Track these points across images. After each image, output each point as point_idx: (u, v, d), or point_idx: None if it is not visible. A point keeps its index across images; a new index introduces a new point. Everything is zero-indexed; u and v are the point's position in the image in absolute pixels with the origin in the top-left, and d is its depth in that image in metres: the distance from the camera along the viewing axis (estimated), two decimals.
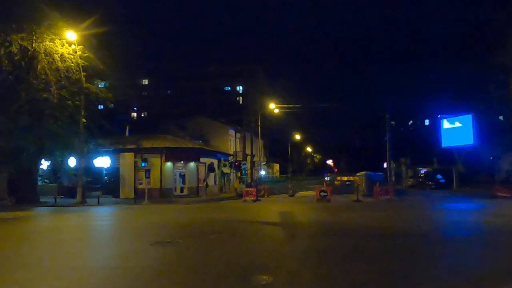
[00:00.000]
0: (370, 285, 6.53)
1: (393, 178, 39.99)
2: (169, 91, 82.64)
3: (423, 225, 13.96)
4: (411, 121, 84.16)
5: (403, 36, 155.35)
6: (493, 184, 30.27)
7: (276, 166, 76.36)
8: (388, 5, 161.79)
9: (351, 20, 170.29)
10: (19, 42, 23.45)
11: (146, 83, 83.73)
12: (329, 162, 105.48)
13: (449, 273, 7.21)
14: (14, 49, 23.11)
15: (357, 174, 35.76)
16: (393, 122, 45.46)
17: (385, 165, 43.36)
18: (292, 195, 32.84)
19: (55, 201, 27.60)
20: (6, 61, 23.10)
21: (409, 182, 44.87)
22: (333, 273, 7.28)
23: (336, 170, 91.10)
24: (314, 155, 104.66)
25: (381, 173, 37.69)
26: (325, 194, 26.14)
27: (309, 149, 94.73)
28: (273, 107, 38.73)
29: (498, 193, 25.94)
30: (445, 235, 12.02)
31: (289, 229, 13.62)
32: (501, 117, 31.72)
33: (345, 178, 36.12)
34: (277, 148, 71.18)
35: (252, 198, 27.52)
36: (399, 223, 14.51)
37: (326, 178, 39.78)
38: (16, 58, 23.42)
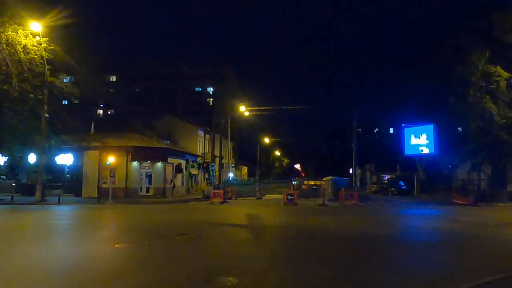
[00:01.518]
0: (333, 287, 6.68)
1: (358, 184, 41.11)
2: (137, 89, 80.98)
3: (385, 230, 14.42)
4: (377, 129, 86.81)
5: (370, 48, 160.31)
6: (451, 191, 31.74)
7: (245, 169, 76.45)
8: (356, 17, 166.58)
9: (322, 29, 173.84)
10: None
11: (114, 79, 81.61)
12: (297, 166, 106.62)
13: (409, 275, 7.51)
14: None
15: (324, 179, 36.44)
16: (360, 129, 46.72)
17: (350, 170, 44.48)
18: (260, 198, 32.98)
19: (12, 198, 26.29)
20: None
21: (373, 188, 46.23)
22: (298, 275, 7.39)
23: (303, 174, 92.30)
24: (283, 159, 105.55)
25: (347, 179, 38.61)
26: (292, 197, 26.44)
27: (277, 153, 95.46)
28: (243, 109, 38.79)
29: (455, 200, 27.27)
30: (405, 239, 12.47)
31: (255, 231, 13.66)
32: (459, 128, 33.31)
33: (312, 183, 36.71)
34: (246, 151, 71.37)
35: (219, 200, 27.40)
36: (363, 227, 14.92)
37: (293, 182, 40.26)
38: None
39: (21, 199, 26.78)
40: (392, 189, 39.93)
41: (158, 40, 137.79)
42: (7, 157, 30.99)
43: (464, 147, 30.39)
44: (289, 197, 26.56)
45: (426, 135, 36.07)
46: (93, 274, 7.31)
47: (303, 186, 36.18)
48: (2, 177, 33.11)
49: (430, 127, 35.49)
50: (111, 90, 78.64)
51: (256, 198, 32.74)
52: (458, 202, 26.79)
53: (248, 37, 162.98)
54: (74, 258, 9.04)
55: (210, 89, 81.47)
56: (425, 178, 39.29)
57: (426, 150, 36.10)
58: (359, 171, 47.64)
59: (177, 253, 9.44)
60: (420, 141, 36.96)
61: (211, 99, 79.97)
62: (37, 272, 7.42)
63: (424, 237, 12.78)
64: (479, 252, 9.86)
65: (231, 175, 55.35)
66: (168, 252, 9.57)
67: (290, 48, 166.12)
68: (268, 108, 41.88)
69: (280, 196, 29.13)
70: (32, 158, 29.85)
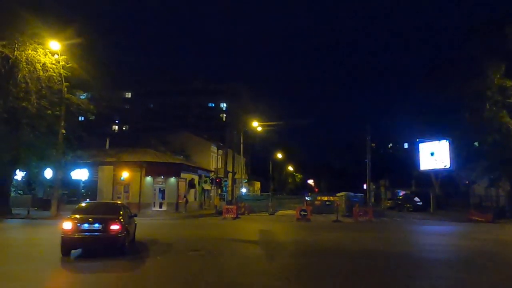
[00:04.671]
0: None
1: (372, 200, 40.45)
2: (151, 105, 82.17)
3: (401, 247, 14.12)
4: (391, 144, 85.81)
5: (384, 62, 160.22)
6: (468, 208, 30.95)
7: (257, 184, 76.07)
8: (369, 32, 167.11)
9: (334, 44, 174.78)
10: (0, 49, 23.06)
11: (129, 96, 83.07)
12: (310, 181, 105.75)
13: None
14: None
15: (337, 194, 36.01)
16: (373, 144, 46.26)
17: (364, 186, 43.87)
18: (273, 214, 32.72)
19: (28, 213, 26.67)
20: None
21: (388, 204, 45.43)
22: None
23: (316, 190, 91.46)
24: (296, 174, 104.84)
25: (361, 194, 38.07)
26: (305, 213, 26.16)
27: (290, 168, 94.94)
28: (256, 125, 38.90)
29: (473, 217, 26.56)
30: (422, 257, 12.16)
31: (268, 247, 13.54)
32: (476, 143, 32.70)
33: (325, 198, 36.30)
34: (259, 166, 71.08)
35: (232, 216, 27.29)
36: (377, 244, 14.63)
37: (306, 197, 39.87)
38: None
39: (37, 213, 27.14)
40: (407, 205, 39.15)
41: (172, 55, 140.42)
42: (25, 172, 31.61)
43: (481, 162, 29.75)
44: (302, 212, 26.30)
45: (442, 150, 35.46)
46: None
47: (316, 202, 35.79)
48: (19, 191, 33.69)
49: (446, 142, 34.93)
50: (126, 106, 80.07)
51: (269, 214, 32.49)
52: (476, 218, 26.09)
53: (261, 52, 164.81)
54: (87, 271, 9.09)
55: (223, 105, 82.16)
56: (441, 194, 38.45)
57: (441, 166, 35.47)
58: (373, 187, 46.93)
59: (189, 268, 9.40)
60: (435, 156, 36.34)
61: (224, 115, 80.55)
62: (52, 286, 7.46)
63: (442, 255, 12.43)
64: (498, 271, 9.56)
65: (243, 190, 55.15)
66: (181, 267, 9.55)
67: (303, 62, 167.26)
68: (280, 123, 41.82)
69: (293, 212, 28.86)
70: (48, 173, 30.36)
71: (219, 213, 30.17)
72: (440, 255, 12.46)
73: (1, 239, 16.05)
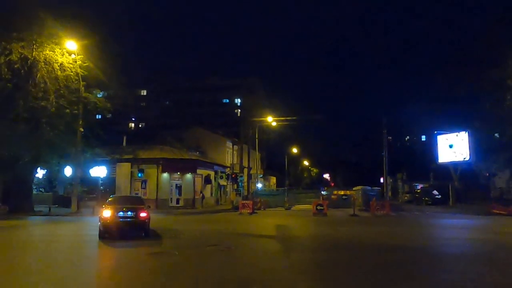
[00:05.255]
0: None
1: (390, 193, 40.02)
2: (167, 102, 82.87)
3: (419, 241, 13.92)
4: (408, 137, 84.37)
5: (401, 52, 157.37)
6: (488, 201, 30.30)
7: (273, 179, 76.02)
8: (387, 23, 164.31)
9: (350, 36, 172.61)
10: (19, 50, 23.56)
11: (145, 93, 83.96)
12: (326, 176, 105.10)
13: None
14: (14, 57, 23.21)
15: (354, 188, 35.78)
16: (390, 137, 45.54)
17: (381, 180, 43.40)
18: (289, 209, 32.71)
19: (49, 210, 27.35)
20: (6, 69, 23.16)
21: (406, 198, 44.88)
22: None
23: (333, 184, 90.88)
24: (311, 169, 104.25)
25: (378, 188, 37.71)
26: (322, 208, 26.05)
27: (306, 163, 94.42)
28: (271, 120, 38.86)
29: (494, 210, 26.02)
30: (441, 251, 11.97)
31: (285, 242, 13.54)
32: (496, 135, 31.89)
33: (342, 193, 36.10)
34: (274, 161, 71.06)
35: (248, 211, 27.38)
36: (395, 238, 14.46)
37: (322, 192, 39.69)
38: (15, 66, 23.49)
39: (58, 210, 27.80)
40: (426, 198, 38.56)
41: (186, 52, 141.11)
42: (45, 170, 32.38)
43: (501, 154, 29.05)
44: (319, 207, 26.18)
45: (461, 142, 34.71)
46: (123, 284, 7.44)
47: (332, 196, 35.63)
48: (41, 189, 34.55)
49: (465, 133, 34.15)
50: (142, 104, 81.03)
51: (285, 209, 32.49)
52: (497, 212, 25.54)
53: (276, 46, 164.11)
54: (107, 267, 9.27)
55: (238, 100, 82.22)
56: (460, 187, 37.71)
57: (460, 158, 34.74)
58: (391, 180, 46.37)
59: (206, 263, 9.46)
60: (454, 148, 35.60)
61: (239, 110, 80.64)
62: (73, 281, 7.64)
63: (462, 249, 12.20)
64: None
65: (259, 185, 55.23)
66: (198, 262, 9.62)
67: (318, 56, 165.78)
68: (295, 118, 41.56)
69: (309, 207, 28.78)
70: (68, 171, 31.04)
71: (236, 208, 30.32)
72: (461, 249, 12.24)
73: (38, 234, 16.92)
